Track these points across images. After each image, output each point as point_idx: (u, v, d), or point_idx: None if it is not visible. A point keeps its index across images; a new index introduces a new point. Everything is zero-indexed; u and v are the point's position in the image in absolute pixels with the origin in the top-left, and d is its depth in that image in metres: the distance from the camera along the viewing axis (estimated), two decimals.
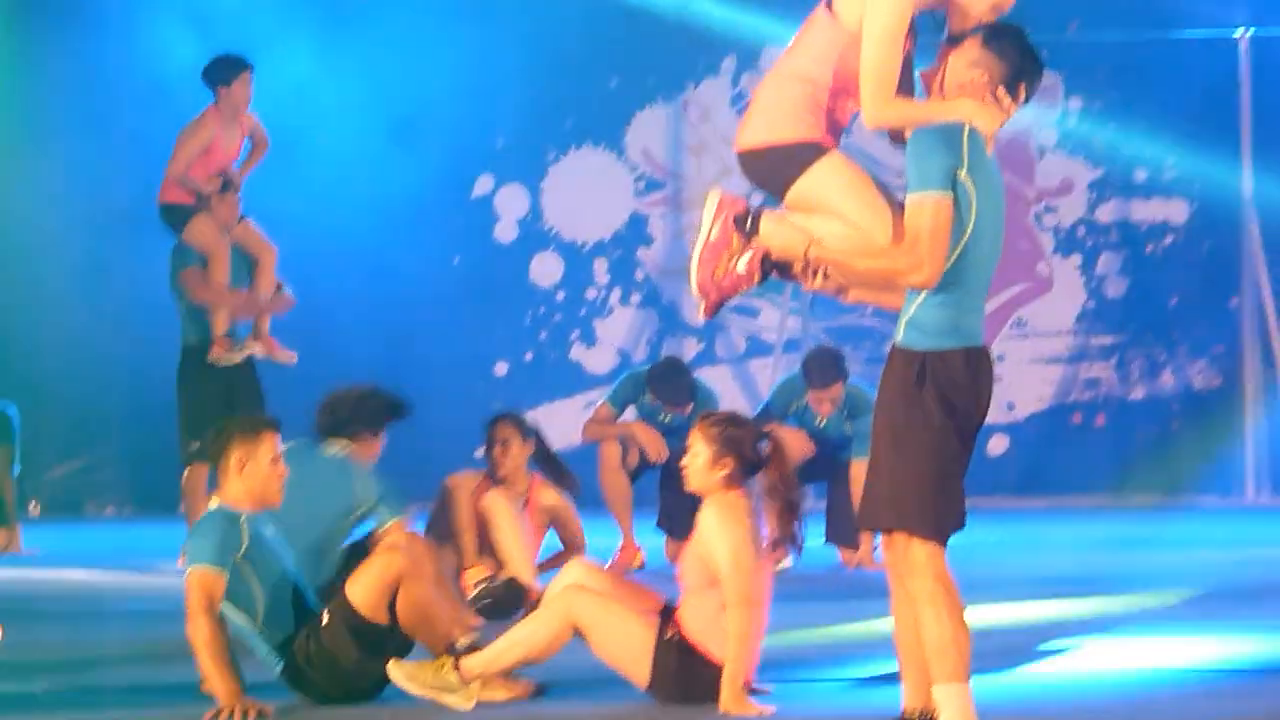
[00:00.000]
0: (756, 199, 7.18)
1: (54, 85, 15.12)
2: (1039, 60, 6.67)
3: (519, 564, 10.00)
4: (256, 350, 11.45)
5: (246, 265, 11.62)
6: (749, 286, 6.99)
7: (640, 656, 7.91)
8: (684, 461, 8.03)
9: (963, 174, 6.38)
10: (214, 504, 8.11)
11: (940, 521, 6.49)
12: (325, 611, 8.05)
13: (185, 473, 11.56)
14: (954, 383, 6.49)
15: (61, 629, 9.86)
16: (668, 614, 8.03)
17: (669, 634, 7.95)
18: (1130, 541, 12.38)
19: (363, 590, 8.02)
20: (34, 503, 14.41)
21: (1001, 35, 6.65)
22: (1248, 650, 8.26)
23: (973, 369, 6.53)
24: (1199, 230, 15.57)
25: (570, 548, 10.58)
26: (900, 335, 6.43)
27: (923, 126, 6.50)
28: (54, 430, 14.59)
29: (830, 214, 6.74)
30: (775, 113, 6.83)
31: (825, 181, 6.69)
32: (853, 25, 6.59)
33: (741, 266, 6.90)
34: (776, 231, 6.73)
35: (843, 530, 11.08)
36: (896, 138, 6.70)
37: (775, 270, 6.85)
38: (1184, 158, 15.65)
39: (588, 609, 7.99)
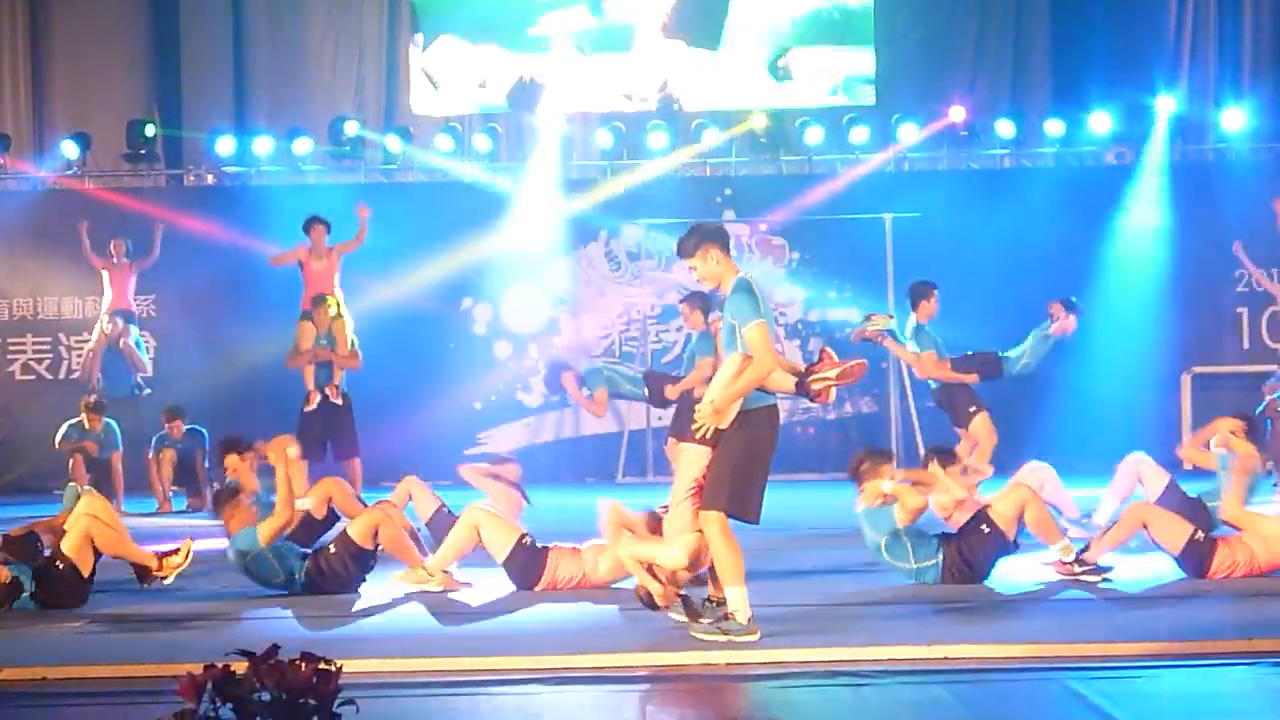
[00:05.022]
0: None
1: None
2: (720, 229, 8.13)
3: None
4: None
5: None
6: None
7: (504, 546, 9.63)
8: None
9: (762, 307, 7.78)
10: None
11: (738, 503, 7.88)
12: (330, 544, 9.80)
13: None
14: (762, 424, 7.90)
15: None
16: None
17: (525, 539, 9.66)
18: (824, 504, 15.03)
19: (357, 530, 9.75)
20: (215, 484, 14.97)
21: (699, 234, 8.01)
22: None
23: (772, 416, 7.95)
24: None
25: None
26: (736, 410, 7.72)
27: (734, 289, 7.81)
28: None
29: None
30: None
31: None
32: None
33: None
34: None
35: None
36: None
37: None
38: (853, 286, 19.45)
39: (481, 517, 9.68)
